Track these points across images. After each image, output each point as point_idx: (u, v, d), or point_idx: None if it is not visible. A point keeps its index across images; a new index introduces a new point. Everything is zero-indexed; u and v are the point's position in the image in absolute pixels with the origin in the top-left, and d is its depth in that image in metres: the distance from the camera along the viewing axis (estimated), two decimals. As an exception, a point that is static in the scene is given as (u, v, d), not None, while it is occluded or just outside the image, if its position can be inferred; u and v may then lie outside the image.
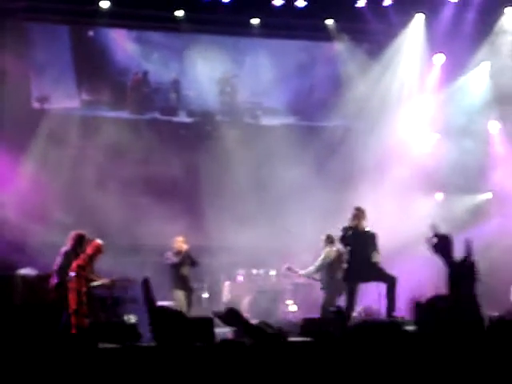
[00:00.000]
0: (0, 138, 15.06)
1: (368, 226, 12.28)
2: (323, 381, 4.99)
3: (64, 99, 16.06)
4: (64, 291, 11.22)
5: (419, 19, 16.47)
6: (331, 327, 9.94)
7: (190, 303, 13.26)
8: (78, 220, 13.62)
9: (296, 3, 15.88)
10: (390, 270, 12.28)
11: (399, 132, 16.38)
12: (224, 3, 15.65)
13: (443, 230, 15.08)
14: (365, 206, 12.60)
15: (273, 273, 15.10)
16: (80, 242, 11.70)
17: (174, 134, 16.76)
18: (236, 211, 15.21)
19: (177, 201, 15.29)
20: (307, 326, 11.36)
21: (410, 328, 9.93)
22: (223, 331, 12.06)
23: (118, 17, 15.72)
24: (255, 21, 16.29)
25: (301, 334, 10.89)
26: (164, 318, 9.50)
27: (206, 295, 14.86)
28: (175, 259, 13.22)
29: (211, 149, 16.26)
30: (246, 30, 16.44)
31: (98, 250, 11.63)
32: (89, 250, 11.53)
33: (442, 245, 11.32)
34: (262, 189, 15.52)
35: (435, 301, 5.53)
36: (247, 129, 16.80)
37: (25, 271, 13.07)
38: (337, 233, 12.36)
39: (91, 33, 16.57)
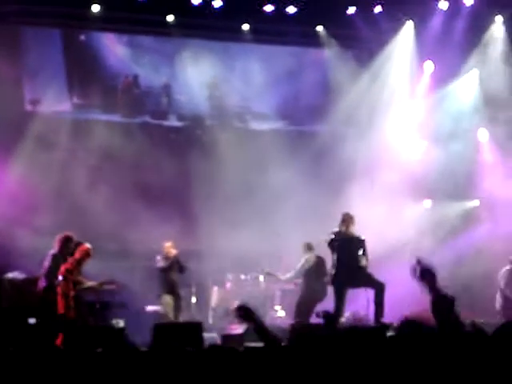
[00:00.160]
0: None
1: (356, 231, 12.31)
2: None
3: (55, 102, 16.08)
4: (52, 295, 11.18)
5: (409, 27, 16.54)
6: (320, 332, 9.93)
7: (178, 308, 13.25)
8: (67, 223, 13.56)
9: (287, 9, 15.92)
10: (379, 275, 12.31)
11: (388, 138, 16.44)
12: (215, 8, 15.68)
13: (431, 239, 15.23)
14: (353, 212, 12.63)
15: (261, 278, 15.10)
16: (67, 243, 11.67)
17: (164, 137, 16.79)
18: (225, 216, 15.21)
19: (166, 205, 15.26)
20: (295, 331, 11.35)
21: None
22: (211, 336, 12.07)
23: (109, 21, 15.71)
24: (246, 26, 16.33)
25: (289, 340, 10.87)
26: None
27: (194, 300, 14.85)
28: (163, 264, 13.21)
29: (201, 153, 16.25)
30: (236, 36, 16.50)
31: (87, 254, 11.60)
32: (77, 254, 11.49)
33: (426, 275, 11.33)
34: (252, 193, 15.51)
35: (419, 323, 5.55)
36: (236, 133, 16.83)
37: (12, 275, 13.04)
38: (326, 237, 12.38)
39: (83, 37, 16.62)
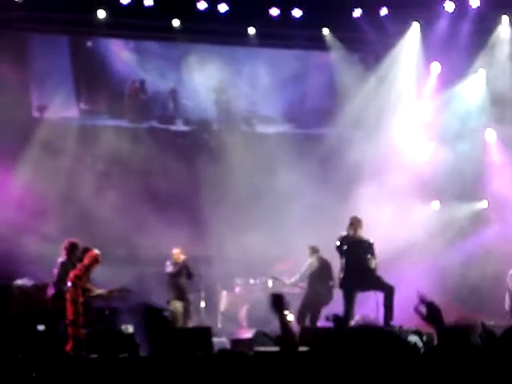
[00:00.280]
0: (1, 147, 15.06)
1: (365, 234, 12.28)
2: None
3: (63, 108, 16.14)
4: (61, 302, 11.17)
5: (415, 29, 16.50)
6: (329, 336, 9.90)
7: (187, 313, 13.25)
8: (75, 230, 13.57)
9: (292, 13, 15.92)
10: (387, 277, 12.28)
11: (396, 140, 16.40)
12: (221, 13, 15.69)
13: (440, 241, 15.14)
14: (362, 214, 12.61)
15: (270, 282, 15.08)
16: (73, 250, 11.67)
17: (171, 142, 16.81)
18: (233, 220, 15.20)
19: (175, 210, 15.24)
20: (304, 335, 11.33)
21: (408, 337, 9.96)
22: (220, 340, 12.06)
23: (115, 27, 15.83)
24: (251, 30, 16.33)
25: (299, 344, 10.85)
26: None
27: (203, 305, 14.83)
28: (172, 269, 13.21)
29: (209, 157, 16.27)
30: (242, 40, 16.52)
31: (95, 260, 11.57)
32: (86, 260, 11.46)
33: (431, 313, 11.27)
34: (260, 197, 15.50)
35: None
36: (244, 137, 16.83)
37: (21, 281, 13.04)
38: (333, 242, 12.36)
39: (90, 43, 16.73)
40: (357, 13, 15.97)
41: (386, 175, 15.81)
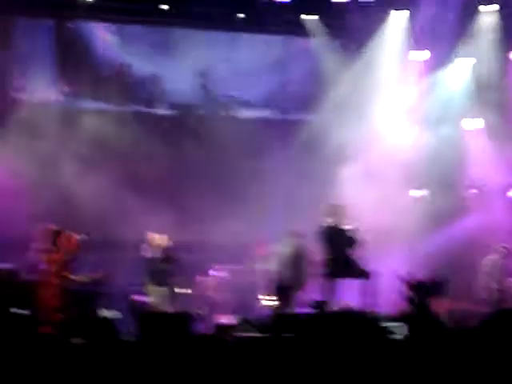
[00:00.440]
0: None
1: (347, 222, 12.26)
2: (305, 374, 4.92)
3: (44, 90, 16.11)
4: (38, 287, 11.07)
5: (399, 16, 16.45)
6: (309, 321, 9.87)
7: (167, 299, 13.15)
8: (55, 213, 13.47)
9: (277, -1, 15.86)
10: (369, 263, 12.29)
11: (379, 125, 16.38)
12: (205, -3, 15.59)
13: (422, 227, 15.16)
14: (344, 200, 12.62)
15: (250, 268, 15.03)
16: (52, 236, 11.55)
17: (154, 126, 16.82)
18: (215, 205, 15.16)
19: (156, 195, 15.25)
20: (284, 320, 11.28)
21: (388, 324, 9.94)
22: (200, 326, 12.00)
23: (99, 10, 15.74)
24: (236, 15, 16.25)
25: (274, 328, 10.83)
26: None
27: (182, 291, 14.75)
28: (152, 254, 13.12)
29: (191, 141, 16.27)
30: (226, 25, 16.46)
31: (75, 245, 11.49)
32: (65, 245, 11.39)
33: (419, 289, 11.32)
34: (242, 182, 15.50)
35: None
36: (226, 122, 16.82)
37: None
38: (316, 227, 12.33)
39: (73, 26, 16.62)
40: (340, -1, 15.93)
41: (369, 160, 15.78)
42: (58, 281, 11.09)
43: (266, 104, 17.44)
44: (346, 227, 12.23)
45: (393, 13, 16.42)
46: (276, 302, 14.01)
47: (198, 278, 15.09)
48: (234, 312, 13.14)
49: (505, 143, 16.10)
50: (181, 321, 10.58)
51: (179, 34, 16.81)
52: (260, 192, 15.28)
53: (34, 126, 15.30)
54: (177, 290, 14.35)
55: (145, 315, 10.61)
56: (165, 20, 16.19)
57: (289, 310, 13.15)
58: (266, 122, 16.96)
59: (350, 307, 13.23)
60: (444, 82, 16.67)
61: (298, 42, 17.57)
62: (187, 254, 14.47)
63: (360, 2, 15.88)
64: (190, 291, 14.76)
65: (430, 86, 16.60)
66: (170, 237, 13.36)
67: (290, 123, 17.12)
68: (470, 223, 15.88)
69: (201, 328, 11.88)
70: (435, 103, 16.52)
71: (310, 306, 11.80)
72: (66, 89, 16.62)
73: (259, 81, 17.23)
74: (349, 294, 12.92)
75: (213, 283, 15.06)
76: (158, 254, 13.15)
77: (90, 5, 15.48)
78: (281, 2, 15.86)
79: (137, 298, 13.90)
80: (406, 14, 16.37)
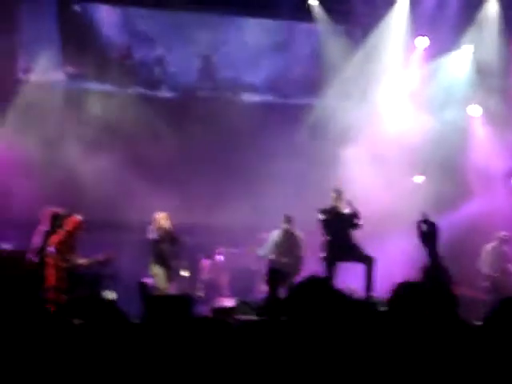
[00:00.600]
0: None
1: (347, 206, 12.32)
2: (300, 358, 5.00)
3: (49, 71, 16.14)
4: (43, 269, 11.14)
5: (403, 2, 16.47)
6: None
7: (169, 281, 13.21)
8: (59, 194, 13.55)
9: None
10: (370, 248, 12.37)
11: (382, 110, 16.44)
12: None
13: (427, 211, 15.21)
14: (347, 184, 12.67)
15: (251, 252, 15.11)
16: (54, 219, 11.60)
17: (157, 108, 16.79)
18: (217, 189, 15.22)
19: (159, 177, 15.30)
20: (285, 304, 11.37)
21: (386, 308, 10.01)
22: (201, 309, 12.11)
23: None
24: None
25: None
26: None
27: (185, 273, 14.84)
28: (155, 235, 13.13)
29: (194, 124, 16.29)
30: (230, 8, 16.45)
31: (78, 227, 11.54)
32: (68, 227, 11.43)
33: (429, 233, 11.37)
34: (244, 166, 15.57)
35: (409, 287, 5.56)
36: (228, 105, 16.85)
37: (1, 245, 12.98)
38: (315, 213, 12.40)
39: (77, 7, 16.71)
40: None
41: (373, 144, 15.86)
42: (62, 263, 11.16)
43: (268, 87, 17.45)
44: (346, 211, 12.30)
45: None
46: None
47: (202, 261, 15.21)
48: (235, 295, 13.24)
49: (507, 129, 16.17)
50: (183, 303, 10.69)
51: (184, 16, 16.83)
52: (262, 176, 15.33)
53: (40, 108, 15.37)
54: (180, 271, 14.46)
55: (149, 297, 10.73)
56: (169, 2, 16.24)
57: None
58: (269, 106, 16.99)
59: (349, 291, 13.37)
60: (447, 68, 16.71)
61: (302, 25, 17.59)
62: (191, 237, 14.55)
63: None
64: (192, 274, 14.88)
65: (432, 71, 16.64)
66: (172, 217, 13.37)
67: (293, 107, 17.15)
68: (472, 209, 15.96)
69: (202, 310, 11.99)
70: (438, 89, 16.58)
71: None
72: (71, 70, 16.67)
73: (263, 64, 17.26)
74: (349, 278, 13.05)
75: (215, 266, 15.17)
76: (162, 235, 13.15)
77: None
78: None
79: (144, 280, 14.02)
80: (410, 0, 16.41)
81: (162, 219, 13.14)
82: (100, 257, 11.91)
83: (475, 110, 16.81)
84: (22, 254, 12.05)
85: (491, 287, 14.12)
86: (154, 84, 17.18)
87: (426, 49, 16.65)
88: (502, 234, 14.45)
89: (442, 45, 16.31)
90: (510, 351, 4.92)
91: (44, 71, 16.02)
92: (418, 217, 12.30)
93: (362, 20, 16.43)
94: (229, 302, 12.48)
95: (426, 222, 12.02)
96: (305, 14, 16.64)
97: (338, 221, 12.16)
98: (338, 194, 12.38)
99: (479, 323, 5.52)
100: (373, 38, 16.58)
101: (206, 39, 16.89)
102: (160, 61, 17.10)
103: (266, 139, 15.80)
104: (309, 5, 16.60)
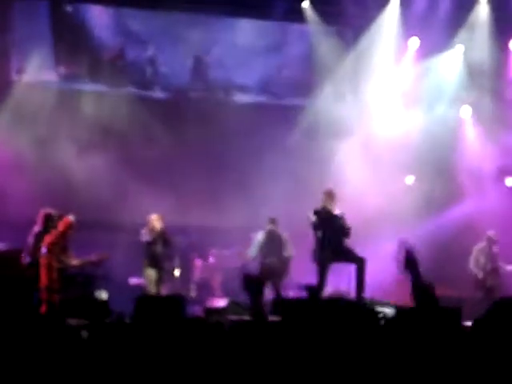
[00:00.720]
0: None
1: (337, 208, 12.36)
2: (293, 359, 5.05)
3: (41, 71, 16.18)
4: (36, 270, 11.15)
5: (394, 3, 16.54)
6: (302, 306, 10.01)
7: (161, 281, 13.24)
8: (52, 195, 13.57)
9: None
10: (361, 248, 12.41)
11: (374, 110, 16.50)
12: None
13: (414, 213, 15.30)
14: (340, 185, 12.72)
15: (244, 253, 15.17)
16: (48, 220, 11.63)
17: (149, 109, 16.79)
18: (210, 190, 15.25)
19: (152, 177, 15.32)
20: (279, 305, 11.43)
21: (379, 309, 10.09)
22: (193, 309, 12.14)
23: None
24: (232, 0, 16.32)
25: (272, 313, 10.96)
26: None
27: (177, 274, 14.87)
28: (148, 237, 13.16)
29: (186, 125, 16.32)
30: (223, 9, 16.48)
31: (70, 227, 11.55)
32: (60, 227, 11.44)
33: (409, 261, 11.40)
34: (237, 167, 15.60)
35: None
36: (220, 106, 16.87)
37: None
38: (308, 214, 12.44)
39: (70, 8, 16.70)
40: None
41: (365, 146, 15.92)
42: (55, 263, 11.18)
43: (260, 88, 17.49)
44: (337, 212, 12.33)
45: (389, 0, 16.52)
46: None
47: (194, 261, 15.24)
48: (227, 295, 13.28)
49: (497, 130, 16.25)
50: (175, 303, 10.72)
51: (176, 17, 16.85)
52: (255, 176, 15.37)
53: (32, 108, 15.39)
54: (172, 272, 14.50)
55: (140, 298, 10.75)
56: (162, 3, 16.26)
57: (276, 295, 13.34)
58: (261, 107, 17.02)
59: (341, 292, 13.45)
60: (438, 69, 16.79)
61: (294, 26, 17.61)
62: (184, 237, 14.60)
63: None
64: (185, 274, 14.91)
65: (424, 72, 16.72)
66: (165, 218, 13.41)
67: (285, 108, 17.18)
68: (463, 209, 16.03)
69: (194, 310, 12.03)
70: (429, 90, 16.65)
71: (303, 289, 11.94)
72: (64, 70, 16.68)
73: (255, 65, 17.28)
74: (340, 278, 13.12)
75: (208, 266, 15.20)
76: (155, 237, 13.19)
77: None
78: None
79: (133, 280, 14.05)
80: (401, 1, 16.46)
81: (154, 221, 13.19)
82: (93, 257, 11.93)
83: (466, 111, 16.89)
84: (15, 255, 12.07)
85: (480, 287, 14.20)
86: (146, 84, 17.20)
87: (417, 49, 16.73)
88: (492, 234, 14.52)
89: (434, 46, 16.38)
90: (503, 350, 4.98)
91: (36, 71, 16.06)
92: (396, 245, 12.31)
93: (354, 21, 16.47)
94: (221, 303, 12.52)
95: (404, 250, 12.04)
96: (297, 15, 16.69)
97: (329, 222, 12.19)
98: (329, 195, 12.40)
99: (470, 323, 5.57)
100: (364, 39, 16.64)
101: (199, 40, 16.93)
102: (152, 61, 17.11)
103: (258, 140, 15.83)
104: (301, 6, 16.64)
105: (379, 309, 10.35)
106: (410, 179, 16.87)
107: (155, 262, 13.15)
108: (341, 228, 12.19)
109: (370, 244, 13.48)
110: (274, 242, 13.90)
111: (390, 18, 16.57)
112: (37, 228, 11.65)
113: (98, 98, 16.05)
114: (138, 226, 13.40)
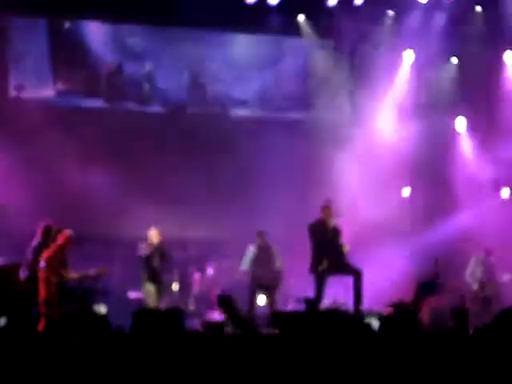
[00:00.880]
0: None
1: (335, 220, 12.42)
2: (290, 372, 5.11)
3: (40, 88, 16.28)
4: (35, 284, 11.20)
5: (390, 16, 16.67)
6: (300, 319, 10.06)
7: (160, 295, 13.29)
8: (51, 209, 13.62)
9: (268, 0, 16.02)
10: (359, 259, 12.47)
11: (371, 122, 16.60)
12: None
13: (411, 224, 15.37)
14: (338, 197, 12.81)
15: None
16: (47, 233, 11.69)
17: (147, 124, 16.87)
18: (207, 203, 15.30)
19: (149, 192, 15.36)
20: (276, 318, 11.48)
21: (376, 321, 10.12)
22: (192, 323, 12.18)
23: (93, 9, 15.78)
24: (228, 16, 16.40)
25: (269, 326, 11.02)
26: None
27: (176, 287, 14.92)
28: (146, 251, 13.22)
29: (184, 139, 16.39)
30: (219, 25, 16.58)
31: (68, 241, 11.60)
32: (59, 241, 11.50)
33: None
34: (234, 180, 15.66)
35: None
36: (218, 121, 16.96)
37: None
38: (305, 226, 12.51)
39: (67, 24, 16.79)
40: (332, 1, 16.11)
41: (363, 157, 15.99)
42: (54, 277, 11.22)
43: (259, 102, 17.56)
44: (334, 224, 12.39)
45: (384, 14, 16.64)
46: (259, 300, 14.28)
47: (193, 275, 15.29)
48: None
49: (493, 141, 16.35)
50: (173, 317, 10.77)
51: (173, 33, 16.94)
52: (251, 189, 15.45)
53: (30, 123, 15.43)
54: (171, 286, 14.56)
55: (138, 311, 10.78)
56: (159, 19, 16.30)
57: (271, 308, 13.41)
58: (259, 120, 17.08)
59: (338, 306, 13.48)
60: (433, 81, 16.91)
61: (291, 40, 17.70)
62: (182, 251, 14.66)
63: (351, 4, 16.11)
64: (183, 287, 14.96)
65: (420, 84, 16.84)
66: (163, 232, 13.47)
67: (283, 121, 17.25)
68: (459, 220, 16.10)
69: (193, 324, 12.07)
70: (425, 101, 16.76)
71: (301, 302, 11.99)
72: (62, 86, 16.75)
73: (252, 79, 17.36)
74: (337, 290, 13.16)
75: (206, 280, 15.25)
76: (152, 250, 13.25)
77: (84, 3, 15.56)
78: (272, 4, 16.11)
79: (132, 294, 14.09)
80: (396, 15, 16.60)
81: (152, 236, 13.27)
82: (91, 271, 11.97)
83: (462, 123, 17.00)
84: (14, 269, 12.11)
85: (474, 298, 14.25)
86: (143, 100, 17.25)
87: (412, 62, 16.85)
88: (484, 247, 14.59)
89: (429, 58, 16.50)
90: (506, 359, 5.04)
91: (35, 88, 16.12)
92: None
93: (349, 34, 16.59)
94: (219, 316, 12.56)
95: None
96: (293, 28, 16.80)
97: (327, 234, 12.25)
98: (327, 207, 12.46)
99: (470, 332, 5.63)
100: (360, 52, 16.76)
101: (196, 55, 16.98)
102: (150, 77, 17.16)
103: (256, 153, 15.89)
104: (296, 20, 16.77)
105: (373, 321, 10.40)
106: (406, 191, 16.95)
107: (153, 276, 13.21)
108: (338, 239, 12.25)
109: (367, 255, 13.53)
110: (264, 254, 14.03)
111: (386, 30, 16.70)
112: (35, 241, 11.70)
113: (95, 114, 16.09)
114: (136, 240, 13.45)
